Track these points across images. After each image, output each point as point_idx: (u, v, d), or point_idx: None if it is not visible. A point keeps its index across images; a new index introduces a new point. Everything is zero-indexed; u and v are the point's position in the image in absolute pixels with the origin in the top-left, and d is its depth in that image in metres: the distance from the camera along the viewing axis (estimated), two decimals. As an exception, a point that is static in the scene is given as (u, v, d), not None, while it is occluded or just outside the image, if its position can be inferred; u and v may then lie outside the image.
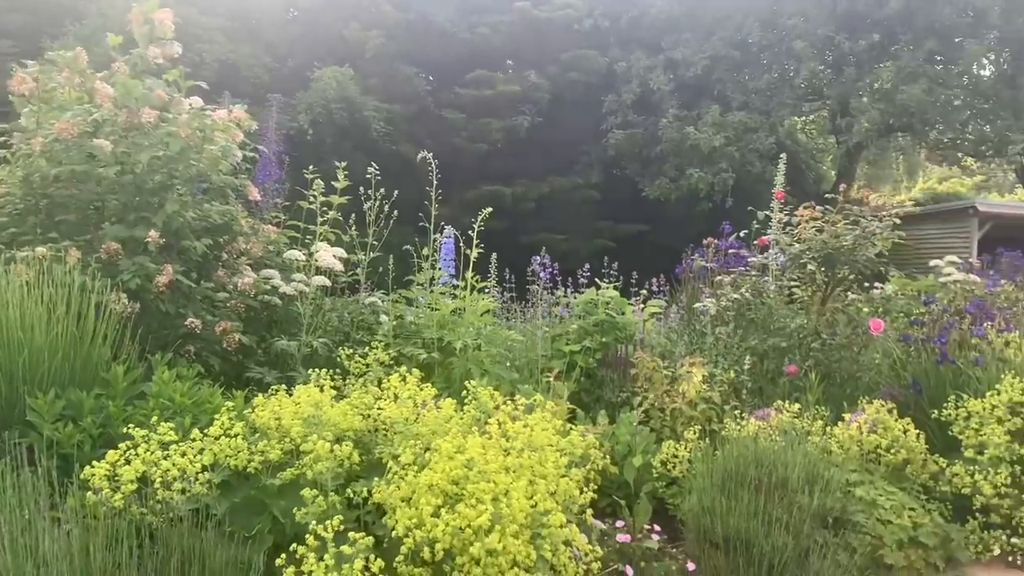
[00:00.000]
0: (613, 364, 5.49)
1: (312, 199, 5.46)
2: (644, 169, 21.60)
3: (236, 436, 3.06)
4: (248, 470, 3.08)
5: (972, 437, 4.31)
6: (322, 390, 3.46)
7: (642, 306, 6.40)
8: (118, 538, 2.58)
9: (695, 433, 4.39)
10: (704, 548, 3.57)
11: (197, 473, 2.84)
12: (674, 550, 3.82)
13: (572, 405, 4.93)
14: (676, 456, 4.25)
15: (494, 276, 6.27)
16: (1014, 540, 4.03)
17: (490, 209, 5.11)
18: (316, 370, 3.66)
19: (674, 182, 20.55)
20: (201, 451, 2.94)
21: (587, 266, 6.56)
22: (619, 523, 3.69)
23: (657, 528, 3.85)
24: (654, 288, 7.53)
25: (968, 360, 4.91)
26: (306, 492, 2.74)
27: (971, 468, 4.20)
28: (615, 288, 6.00)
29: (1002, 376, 4.48)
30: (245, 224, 5.45)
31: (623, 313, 5.88)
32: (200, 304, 4.86)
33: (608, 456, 4.20)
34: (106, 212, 4.80)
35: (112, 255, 4.38)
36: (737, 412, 4.71)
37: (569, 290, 6.62)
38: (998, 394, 4.36)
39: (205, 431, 3.06)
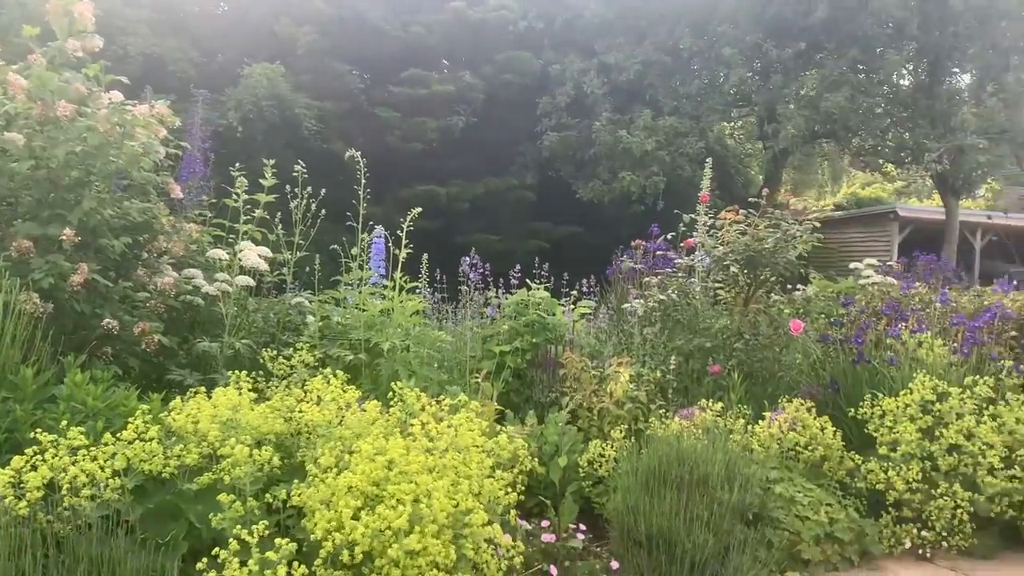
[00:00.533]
0: (543, 364, 5.51)
1: (236, 197, 5.35)
2: (578, 171, 21.80)
3: (151, 440, 2.98)
4: (163, 475, 2.99)
5: (886, 435, 4.46)
6: (241, 392, 3.38)
7: (572, 307, 6.44)
8: (22, 547, 2.48)
9: (621, 432, 4.45)
10: (628, 546, 3.62)
11: (108, 479, 2.75)
12: (599, 549, 3.85)
13: (502, 406, 4.94)
14: (603, 455, 4.29)
15: (425, 276, 6.24)
16: (924, 533, 4.19)
17: (420, 209, 5.07)
18: (235, 372, 3.58)
19: (607, 184, 20.78)
20: (113, 456, 2.85)
21: (518, 267, 6.58)
22: (544, 523, 3.71)
23: (583, 527, 3.88)
24: (584, 289, 7.60)
25: (883, 360, 5.08)
26: (223, 497, 2.68)
27: (885, 464, 4.35)
28: (546, 289, 6.03)
29: (915, 375, 4.65)
30: (167, 222, 5.30)
31: (553, 314, 5.91)
32: (118, 304, 4.71)
33: (536, 456, 4.22)
34: (19, 208, 4.62)
35: (23, 253, 4.21)
36: (663, 411, 4.78)
37: (500, 291, 6.63)
38: (910, 393, 4.52)
39: (119, 435, 2.96)
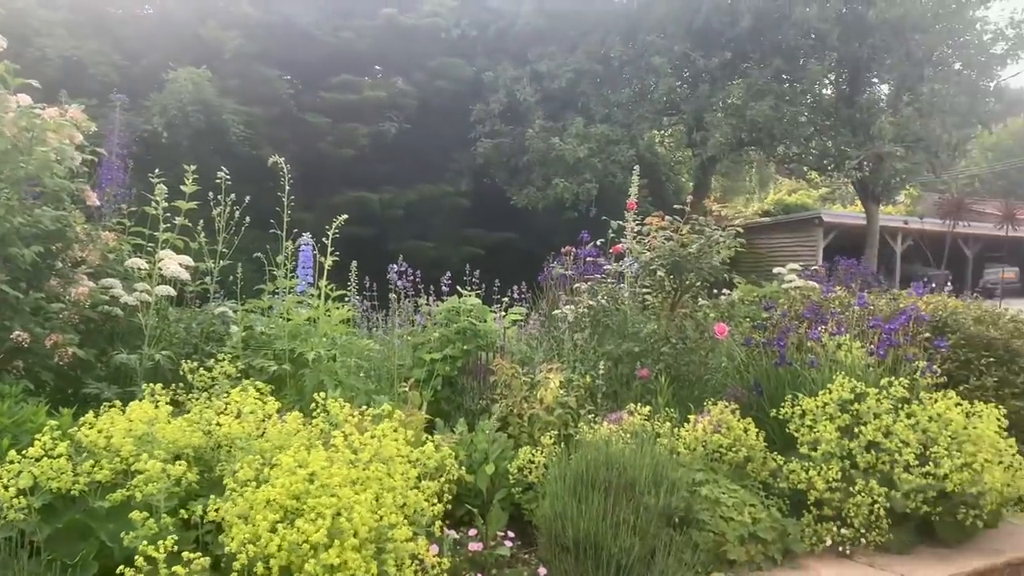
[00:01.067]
0: (473, 372, 5.49)
1: (155, 205, 5.19)
2: (512, 178, 21.90)
3: (59, 457, 2.86)
4: (73, 493, 2.88)
5: (807, 434, 4.57)
6: (157, 406, 3.28)
7: (504, 314, 6.44)
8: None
9: (552, 438, 4.45)
10: (556, 552, 3.62)
11: (12, 498, 2.63)
12: (527, 556, 3.85)
13: (433, 414, 4.90)
14: (532, 462, 4.29)
15: (354, 284, 6.16)
16: (843, 531, 4.29)
17: (346, 216, 5.01)
18: (151, 385, 3.47)
19: (541, 191, 20.93)
20: (19, 474, 2.73)
21: (448, 274, 6.55)
22: (472, 532, 3.69)
23: (511, 535, 3.87)
24: (516, 296, 7.61)
25: (804, 362, 5.21)
26: (135, 514, 2.59)
27: (806, 464, 4.45)
28: (477, 296, 6.02)
29: (834, 376, 4.78)
30: (82, 231, 5.13)
31: (485, 321, 5.90)
32: (29, 316, 4.53)
33: (465, 465, 4.20)
34: (-80, 217, 4.40)
35: (-76, 263, 4.02)
36: (592, 416, 4.81)
37: (432, 298, 6.59)
38: (830, 393, 4.64)
39: (25, 452, 2.84)
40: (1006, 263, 29.58)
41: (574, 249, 7.07)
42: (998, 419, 4.58)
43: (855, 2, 19.81)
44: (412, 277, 6.56)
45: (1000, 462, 4.42)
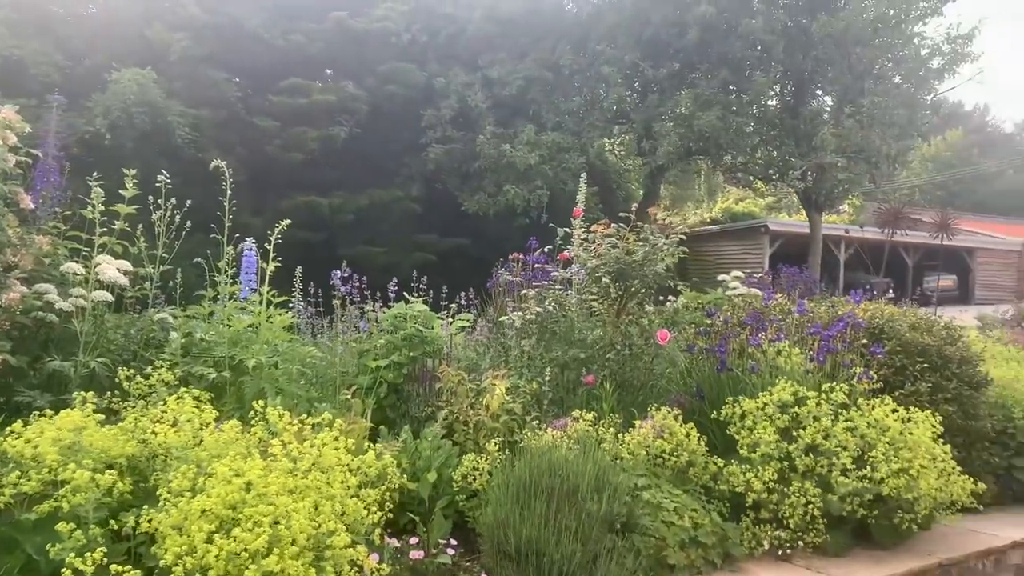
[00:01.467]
0: (419, 379, 5.46)
1: (92, 208, 5.07)
2: (463, 184, 21.91)
3: (-17, 468, 2.77)
4: (-2, 505, 2.79)
5: (746, 436, 4.64)
6: (88, 414, 3.20)
7: (451, 320, 6.43)
8: None
9: (496, 445, 4.45)
10: (498, 560, 3.62)
11: (-70, 513, 2.54)
12: (470, 563, 3.84)
13: (378, 421, 4.86)
14: (477, 469, 4.28)
15: (299, 290, 6.08)
16: (779, 533, 4.37)
17: (289, 221, 4.95)
18: (84, 393, 3.38)
19: (492, 197, 20.97)
20: (-61, 487, 2.64)
21: (395, 280, 6.52)
22: (413, 540, 3.67)
23: (454, 542, 3.86)
24: (464, 302, 7.60)
25: (745, 368, 5.29)
26: (62, 526, 2.52)
27: (745, 467, 4.52)
28: (425, 302, 5.99)
29: (775, 382, 4.87)
30: (14, 234, 4.97)
31: (432, 327, 5.88)
32: (-44, 323, 4.38)
33: (409, 472, 4.17)
34: None
35: None
36: (537, 423, 4.82)
37: (378, 304, 6.54)
38: (771, 395, 4.72)
39: (-54, 464, 2.75)
40: (944, 271, 30.49)
41: (522, 256, 7.08)
42: (933, 426, 4.71)
43: (799, 15, 20.28)
44: (358, 283, 6.50)
45: (935, 468, 4.54)
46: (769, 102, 22.29)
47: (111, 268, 4.99)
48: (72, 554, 2.46)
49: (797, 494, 4.35)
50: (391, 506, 3.57)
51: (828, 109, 21.84)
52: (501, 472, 3.99)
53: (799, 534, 4.36)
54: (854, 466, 4.42)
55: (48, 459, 2.82)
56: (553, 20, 22.19)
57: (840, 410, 4.72)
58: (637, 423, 4.73)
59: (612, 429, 4.63)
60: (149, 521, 2.69)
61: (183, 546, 2.49)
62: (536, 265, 6.81)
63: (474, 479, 4.25)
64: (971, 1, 21.95)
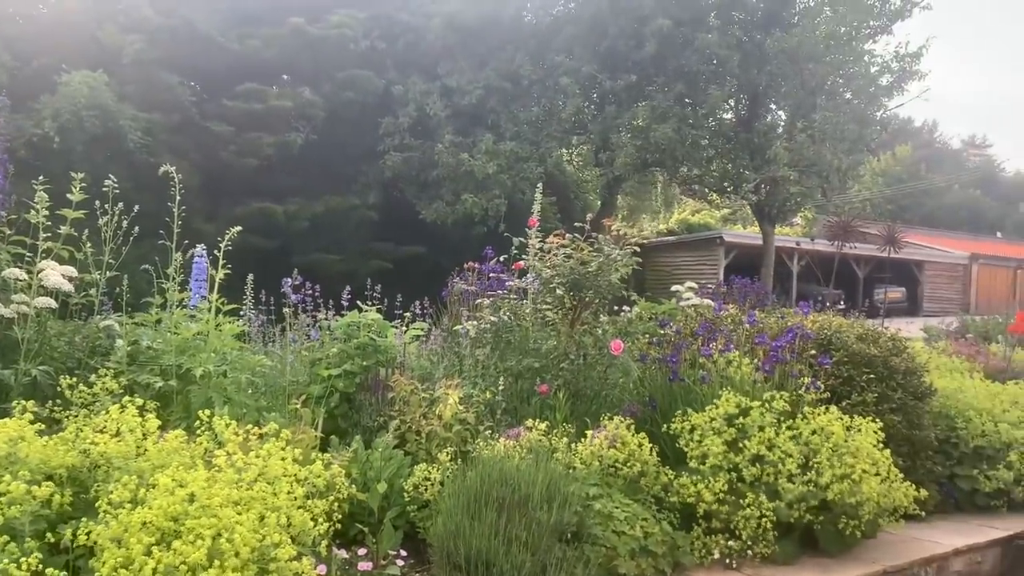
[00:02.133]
0: (372, 388, 5.42)
1: (36, 213, 4.95)
2: (421, 192, 21.86)
3: (-87, 481, 2.68)
4: (-71, 518, 2.70)
5: (695, 448, 4.69)
6: (32, 423, 3.11)
7: (405, 329, 6.39)
8: None
9: (449, 455, 4.43)
10: (448, 571, 3.59)
11: None
12: (419, 574, 3.81)
13: (328, 431, 4.81)
14: (428, 479, 4.25)
15: (250, 298, 6.00)
16: (731, 543, 4.42)
17: (240, 228, 4.89)
18: (24, 401, 3.29)
19: (450, 206, 20.96)
20: None
21: (349, 288, 6.46)
22: (362, 551, 3.63)
23: (404, 553, 3.83)
24: (419, 311, 7.57)
25: (696, 378, 5.35)
26: (-5, 540, 2.45)
27: (695, 478, 4.56)
28: (379, 311, 5.95)
29: (723, 392, 4.93)
30: (-47, 239, 4.84)
31: (385, 336, 5.85)
32: None
33: (359, 483, 4.13)
34: None
35: None
36: (491, 432, 4.81)
37: (331, 313, 6.48)
38: (716, 408, 4.78)
39: None
40: (893, 283, 31.19)
41: (478, 265, 7.08)
42: (875, 432, 4.81)
43: (754, 31, 20.66)
44: (311, 291, 6.44)
45: (877, 473, 4.63)
46: (724, 116, 22.65)
47: (55, 274, 4.89)
48: (10, 565, 2.39)
49: (752, 507, 4.40)
50: (340, 517, 3.53)
51: (781, 123, 22.26)
52: (453, 482, 3.97)
53: (749, 544, 4.42)
54: (799, 471, 4.50)
55: (-19, 471, 2.74)
56: (512, 30, 22.29)
57: (784, 419, 4.80)
58: (590, 433, 4.74)
59: (565, 439, 4.64)
60: (88, 534, 2.62)
61: (121, 559, 2.44)
62: (492, 274, 6.81)
63: (425, 489, 4.22)
64: (920, 20, 22.57)
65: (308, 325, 6.27)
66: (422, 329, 6.62)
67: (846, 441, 4.69)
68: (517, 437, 4.61)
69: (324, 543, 3.03)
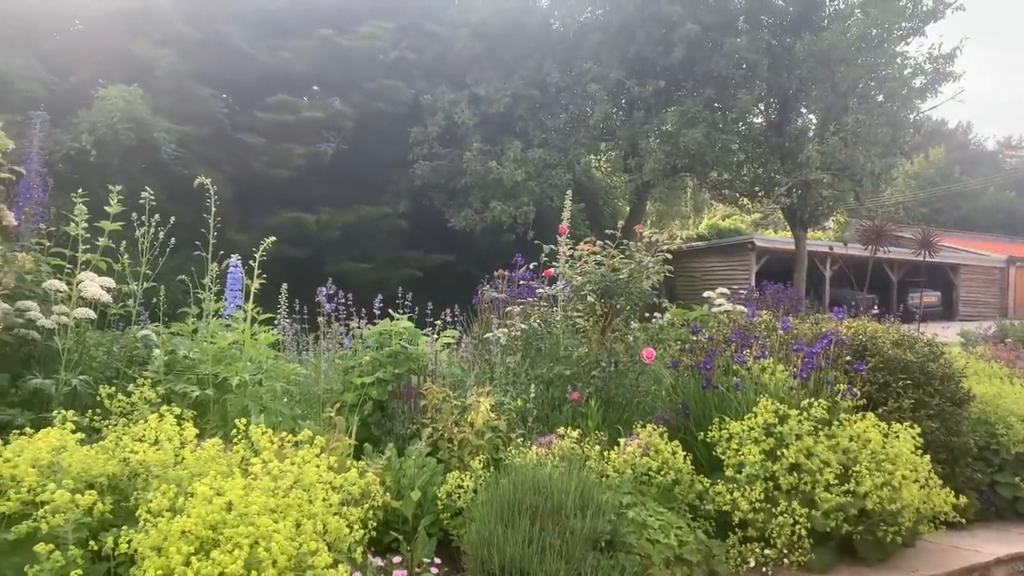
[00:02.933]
0: (404, 396, 5.45)
1: (75, 225, 5.05)
2: (450, 200, 21.93)
3: (-40, 489, 2.74)
4: (-25, 526, 2.76)
5: (732, 457, 4.65)
6: (72, 432, 3.17)
7: (436, 337, 6.42)
8: None
9: (481, 463, 4.44)
10: (482, 578, 3.60)
11: (-93, 533, 2.51)
12: (454, 582, 3.82)
13: (362, 439, 4.84)
14: (461, 487, 4.27)
15: (284, 307, 6.06)
16: (767, 552, 4.38)
17: (275, 238, 4.95)
18: (64, 411, 3.35)
19: (479, 214, 21.00)
20: (-86, 508, 2.61)
21: (380, 297, 6.51)
22: (397, 559, 3.65)
23: (438, 561, 3.84)
24: (449, 319, 7.60)
25: (730, 385, 5.31)
26: (40, 547, 2.49)
27: (731, 486, 4.53)
28: (410, 319, 5.99)
29: (759, 399, 4.89)
30: (-5, 251, 4.94)
31: (416, 344, 5.88)
32: (-64, 340, 4.34)
33: (393, 490, 4.16)
34: None
35: None
36: (522, 440, 4.81)
37: (363, 321, 6.53)
38: (755, 416, 4.74)
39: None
40: (928, 287, 30.72)
41: (508, 272, 7.10)
42: (913, 438, 4.74)
43: (783, 35, 20.50)
44: (344, 300, 6.49)
45: (916, 480, 4.57)
46: (754, 120, 22.48)
47: (94, 285, 4.97)
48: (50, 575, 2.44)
49: (785, 514, 4.36)
50: (375, 524, 3.56)
51: (812, 127, 22.04)
52: (486, 490, 3.98)
53: (785, 552, 4.37)
54: (837, 481, 4.44)
55: (27, 480, 2.79)
56: (539, 38, 22.32)
57: (822, 426, 4.74)
58: (623, 441, 4.73)
59: (597, 446, 4.63)
60: (128, 542, 2.67)
61: (161, 569, 2.47)
62: (522, 282, 6.83)
63: (458, 497, 4.24)
64: (953, 20, 22.26)
65: (341, 333, 6.33)
66: (453, 337, 6.64)
67: (884, 448, 4.63)
68: (549, 445, 4.61)
69: (359, 550, 3.05)
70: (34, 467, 2.88)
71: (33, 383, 4.52)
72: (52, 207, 6.37)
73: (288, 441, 3.31)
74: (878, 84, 20.59)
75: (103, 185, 6.05)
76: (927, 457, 4.73)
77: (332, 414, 4.53)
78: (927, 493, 4.60)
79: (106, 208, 5.25)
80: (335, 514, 2.96)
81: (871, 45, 19.56)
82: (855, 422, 4.78)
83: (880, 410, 5.36)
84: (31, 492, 2.83)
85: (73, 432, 3.21)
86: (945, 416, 5.57)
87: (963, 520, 5.09)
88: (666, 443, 4.72)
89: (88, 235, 5.14)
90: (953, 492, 4.76)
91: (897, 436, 4.74)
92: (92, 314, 4.98)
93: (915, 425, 4.89)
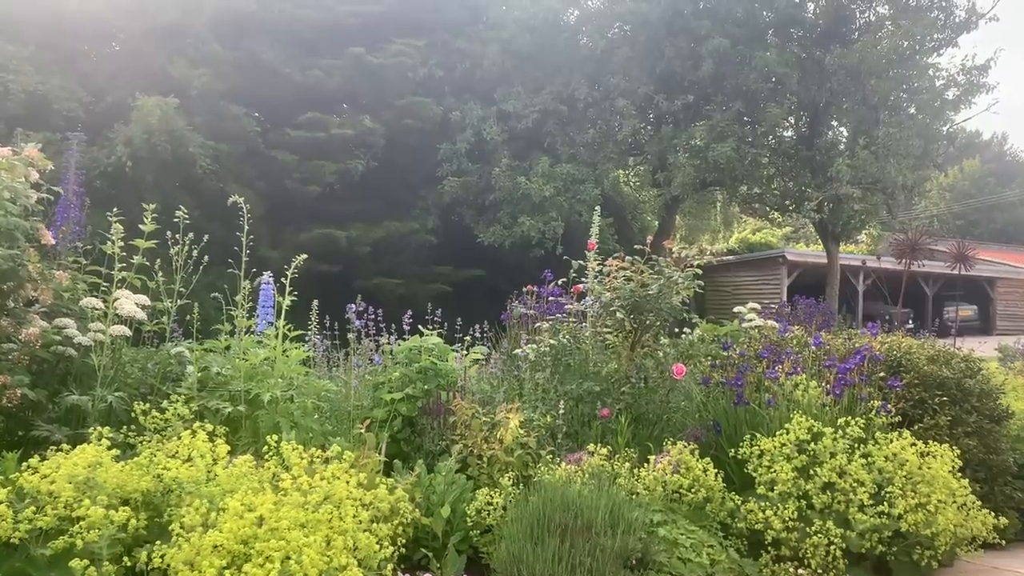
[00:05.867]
0: (433, 412, 5.46)
1: (111, 244, 5.14)
2: (479, 216, 22.01)
3: (-1, 503, 2.79)
4: (14, 540, 2.80)
5: (764, 474, 4.60)
6: (108, 448, 3.22)
7: (465, 353, 6.43)
8: None
9: (511, 479, 4.43)
10: (512, 596, 3.59)
11: (-52, 547, 2.56)
12: (483, 600, 3.81)
13: (392, 455, 4.86)
14: (491, 504, 4.26)
15: (315, 323, 6.11)
16: (801, 572, 4.31)
17: (306, 256, 5.00)
18: (100, 427, 3.40)
19: (508, 229, 21.04)
20: (-46, 522, 2.66)
21: (409, 312, 6.54)
22: (426, 575, 3.65)
23: (468, 578, 3.83)
24: (478, 335, 7.61)
25: (762, 402, 5.25)
26: (75, 563, 2.53)
27: (763, 504, 4.47)
28: (439, 335, 6.01)
29: (791, 416, 4.83)
30: (34, 270, 5.04)
31: (446, 360, 5.89)
32: (-23, 357, 4.43)
33: (423, 507, 4.16)
34: None
35: None
36: (552, 456, 4.80)
37: (393, 337, 6.56)
38: (787, 433, 4.68)
39: (-38, 499, 2.77)
40: (964, 301, 30.20)
41: (537, 288, 7.09)
42: (952, 460, 4.65)
43: (813, 48, 20.37)
44: (374, 316, 6.53)
45: (954, 502, 4.48)
46: (784, 133, 22.34)
47: (129, 303, 5.05)
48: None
49: (819, 534, 4.29)
50: (404, 541, 3.56)
51: (843, 140, 21.84)
52: (515, 507, 3.97)
53: (819, 572, 4.30)
54: (872, 502, 4.37)
55: (63, 495, 2.83)
56: (567, 54, 22.38)
57: (857, 445, 4.67)
58: (653, 458, 4.69)
59: (627, 464, 4.60)
60: (161, 557, 2.69)
61: (195, 583, 2.50)
62: (550, 298, 6.82)
63: (488, 514, 4.23)
64: (987, 31, 22.00)
65: (371, 349, 6.36)
66: (482, 353, 6.65)
67: (920, 468, 4.55)
68: (579, 462, 4.59)
69: (389, 567, 3.05)
70: (70, 483, 2.92)
71: (70, 399, 4.60)
72: (88, 225, 6.49)
73: (318, 457, 3.33)
74: (910, 96, 20.37)
75: (138, 202, 6.16)
76: (965, 480, 4.64)
77: (362, 430, 4.56)
78: (965, 515, 4.50)
79: (140, 226, 5.35)
80: (365, 530, 2.97)
81: (902, 57, 19.38)
82: (891, 441, 4.70)
83: (916, 427, 5.27)
84: (67, 508, 2.87)
85: (108, 448, 3.26)
86: (983, 433, 5.46)
87: (1003, 541, 4.98)
88: (697, 460, 4.68)
89: (123, 253, 5.24)
90: (992, 512, 4.66)
91: (934, 457, 4.65)
92: (127, 331, 5.06)
93: (952, 444, 4.80)
